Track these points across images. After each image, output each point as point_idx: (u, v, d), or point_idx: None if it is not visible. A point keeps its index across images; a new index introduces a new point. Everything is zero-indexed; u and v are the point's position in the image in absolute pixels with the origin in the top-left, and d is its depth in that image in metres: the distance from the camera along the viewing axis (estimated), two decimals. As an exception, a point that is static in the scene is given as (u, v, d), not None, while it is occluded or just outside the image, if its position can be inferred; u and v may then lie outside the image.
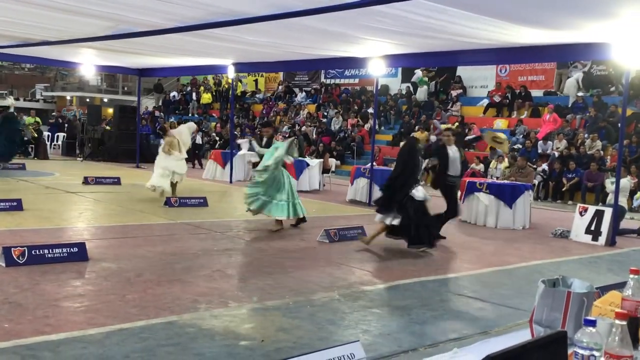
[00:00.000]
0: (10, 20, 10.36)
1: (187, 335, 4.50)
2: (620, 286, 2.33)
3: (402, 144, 9.23)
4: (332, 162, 19.43)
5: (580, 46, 9.82)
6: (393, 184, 8.32)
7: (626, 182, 11.35)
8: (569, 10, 7.53)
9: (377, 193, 13.47)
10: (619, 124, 12.41)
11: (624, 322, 1.71)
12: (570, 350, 1.73)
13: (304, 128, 24.37)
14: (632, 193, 14.68)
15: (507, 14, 7.92)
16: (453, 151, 9.51)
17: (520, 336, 2.25)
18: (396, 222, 8.11)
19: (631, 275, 2.13)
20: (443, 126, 10.51)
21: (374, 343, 4.53)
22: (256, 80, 32.00)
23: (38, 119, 25.08)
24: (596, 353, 1.67)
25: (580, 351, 1.68)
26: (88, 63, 18.00)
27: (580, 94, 19.93)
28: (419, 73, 24.40)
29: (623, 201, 11.11)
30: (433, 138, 20.69)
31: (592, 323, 1.70)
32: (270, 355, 4.18)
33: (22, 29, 11.23)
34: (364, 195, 13.76)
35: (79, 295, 5.38)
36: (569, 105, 20.09)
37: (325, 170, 16.80)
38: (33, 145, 22.66)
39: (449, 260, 7.97)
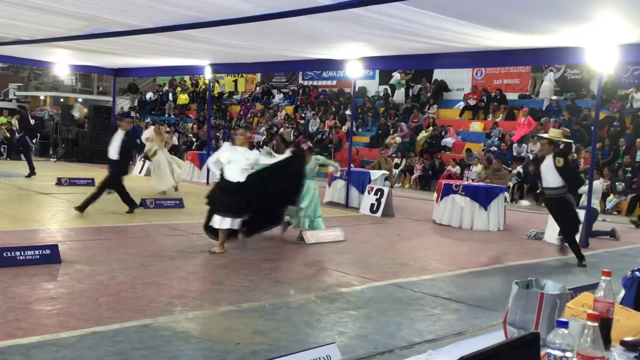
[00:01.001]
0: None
1: (162, 338, 4.46)
2: (593, 287, 2.36)
3: (291, 153, 8.58)
4: (310, 164, 19.39)
5: (554, 50, 9.95)
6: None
7: (598, 184, 11.50)
8: (544, 14, 7.63)
9: (354, 195, 13.56)
10: (592, 127, 12.60)
11: (596, 324, 1.73)
12: (543, 352, 1.75)
13: (281, 130, 24.34)
14: (605, 195, 14.93)
15: (484, 18, 8.00)
16: (547, 161, 8.42)
17: (494, 337, 2.27)
18: (236, 225, 7.73)
19: (603, 277, 2.16)
20: (548, 134, 9.10)
21: (350, 345, 4.54)
22: (236, 81, 31.86)
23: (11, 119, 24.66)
24: (568, 354, 1.69)
25: (553, 352, 1.70)
26: (62, 62, 17.75)
27: (554, 97, 20.20)
28: (397, 75, 24.50)
29: (596, 203, 11.27)
30: (398, 140, 20.87)
31: (565, 324, 1.72)
32: (246, 358, 4.16)
33: (-6, 27, 11.04)
34: (342, 197, 13.78)
35: (51, 298, 5.30)
36: (543, 109, 20.36)
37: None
38: (6, 146, 22.31)
39: (424, 262, 8.01)
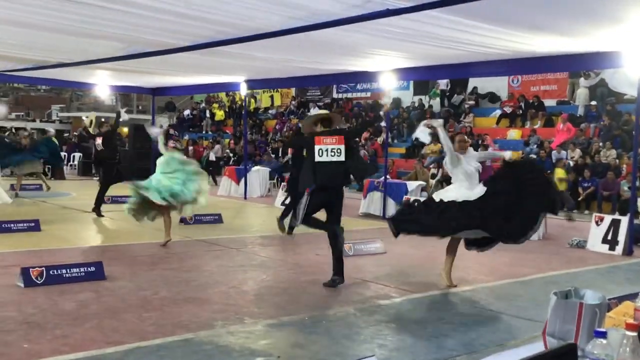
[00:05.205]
0: (26, 45, 10.55)
1: (204, 352, 4.53)
2: (636, 296, 2.33)
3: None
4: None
5: (591, 55, 9.79)
6: None
7: None
8: (576, 16, 7.51)
9: (391, 206, 13.50)
10: (634, 132, 12.32)
11: (635, 333, 1.71)
12: (582, 362, 1.74)
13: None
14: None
15: (516, 21, 7.91)
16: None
17: (534, 349, 2.26)
18: None
19: (643, 286, 2.13)
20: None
21: (390, 357, 4.53)
22: (272, 96, 32.16)
23: (55, 140, 25.30)
24: (607, 365, 1.68)
25: (592, 363, 1.69)
26: (102, 83, 18.23)
27: (593, 102, 19.82)
28: (442, 82, 23.95)
29: None
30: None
31: (603, 334, 1.71)
32: (287, 371, 4.20)
33: (38, 52, 11.42)
34: (378, 209, 13.75)
35: (96, 315, 5.44)
36: (582, 114, 19.99)
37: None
38: (50, 166, 22.89)
39: (463, 273, 7.93)
